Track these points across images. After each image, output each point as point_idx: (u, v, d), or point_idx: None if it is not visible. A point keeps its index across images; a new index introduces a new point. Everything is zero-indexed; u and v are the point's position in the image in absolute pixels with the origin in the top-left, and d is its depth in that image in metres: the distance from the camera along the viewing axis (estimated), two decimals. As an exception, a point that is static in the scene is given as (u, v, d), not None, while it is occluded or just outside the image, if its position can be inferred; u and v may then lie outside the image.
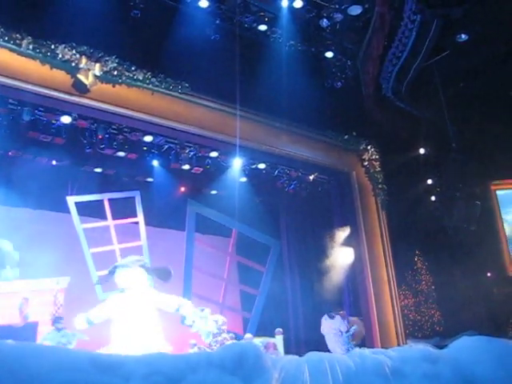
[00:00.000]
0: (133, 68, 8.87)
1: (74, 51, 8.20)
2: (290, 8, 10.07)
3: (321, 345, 10.13)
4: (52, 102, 8.40)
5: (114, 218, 10.18)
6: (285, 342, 10.22)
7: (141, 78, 8.95)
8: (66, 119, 8.83)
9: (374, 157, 12.08)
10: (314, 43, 11.17)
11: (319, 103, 10.59)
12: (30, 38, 7.80)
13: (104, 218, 10.12)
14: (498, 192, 13.82)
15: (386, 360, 3.63)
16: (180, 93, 9.41)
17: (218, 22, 10.20)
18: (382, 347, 9.63)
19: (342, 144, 11.76)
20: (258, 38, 10.72)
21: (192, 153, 10.40)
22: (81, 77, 8.26)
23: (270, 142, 10.62)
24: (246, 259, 11.78)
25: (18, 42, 7.73)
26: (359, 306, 11.11)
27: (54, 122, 8.92)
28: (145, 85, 9.05)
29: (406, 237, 12.08)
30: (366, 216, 11.78)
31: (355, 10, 10.23)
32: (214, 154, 10.65)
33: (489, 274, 13.05)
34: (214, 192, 12.20)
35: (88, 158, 10.12)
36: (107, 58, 8.58)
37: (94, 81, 8.39)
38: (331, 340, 10.03)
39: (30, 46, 7.81)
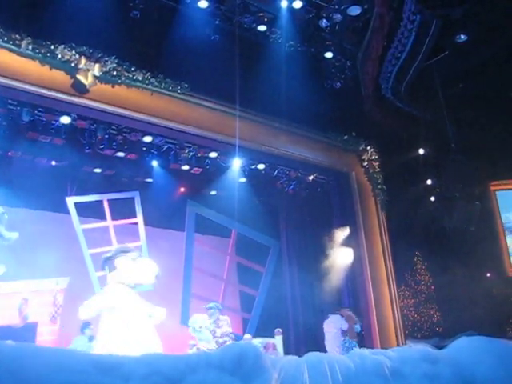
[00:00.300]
0: (132, 68, 8.87)
1: (73, 51, 8.20)
2: (290, 8, 10.07)
3: (320, 345, 10.13)
4: (51, 103, 8.40)
5: (114, 218, 10.17)
6: (284, 343, 10.22)
7: (140, 78, 8.95)
8: (65, 119, 8.83)
9: (373, 157, 12.08)
10: (314, 44, 11.17)
11: (318, 103, 10.60)
12: (29, 38, 7.80)
13: (103, 218, 10.11)
14: (498, 192, 13.82)
15: (385, 360, 3.62)
16: (179, 93, 9.41)
17: (217, 22, 10.19)
18: (382, 347, 9.63)
19: (342, 144, 11.77)
20: (258, 38, 10.72)
21: (191, 153, 10.40)
22: (80, 77, 8.26)
23: (269, 142, 10.62)
24: (245, 260, 11.78)
25: (17, 42, 7.73)
26: (359, 307, 11.10)
27: (53, 122, 8.93)
28: (144, 85, 9.05)
29: (406, 237, 12.09)
30: (365, 216, 11.79)
31: (354, 11, 10.23)
32: (213, 155, 10.65)
33: (488, 275, 13.06)
34: (213, 192, 12.20)
35: (87, 159, 10.11)
36: (106, 59, 8.58)
37: (93, 81, 8.38)
38: (329, 339, 10.06)
39: (30, 47, 7.81)
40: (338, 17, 10.32)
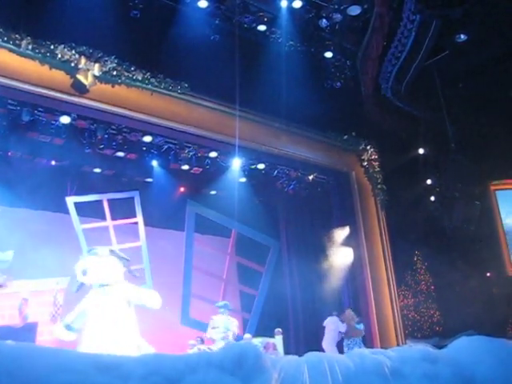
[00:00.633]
0: (132, 68, 8.87)
1: (73, 51, 8.20)
2: (290, 8, 10.07)
3: (320, 345, 10.13)
4: (51, 103, 8.40)
5: (114, 218, 10.16)
6: (284, 342, 10.21)
7: (140, 78, 8.95)
8: (65, 119, 8.83)
9: (373, 157, 12.09)
10: (314, 43, 11.18)
11: (318, 103, 10.59)
12: (29, 38, 7.81)
13: (103, 218, 10.10)
14: (498, 192, 13.82)
15: (385, 360, 3.63)
16: (179, 93, 9.41)
17: (217, 22, 10.20)
18: (382, 347, 9.62)
19: (342, 144, 11.77)
20: (258, 38, 10.72)
21: (191, 153, 10.40)
22: (80, 77, 8.26)
23: (269, 142, 10.62)
24: (245, 259, 11.78)
25: (17, 42, 7.74)
26: (359, 306, 11.10)
27: (53, 122, 8.93)
28: (144, 85, 9.05)
29: (406, 237, 12.09)
30: (365, 216, 11.79)
31: (354, 11, 10.24)
32: (213, 155, 10.65)
33: (488, 274, 13.06)
34: (213, 192, 12.20)
35: (87, 159, 10.11)
36: (106, 59, 8.58)
37: (93, 81, 8.38)
38: (326, 339, 10.12)
39: (30, 47, 7.81)
40: (337, 16, 10.32)
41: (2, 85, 7.76)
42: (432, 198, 12.70)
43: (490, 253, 12.89)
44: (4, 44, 7.66)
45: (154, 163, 10.71)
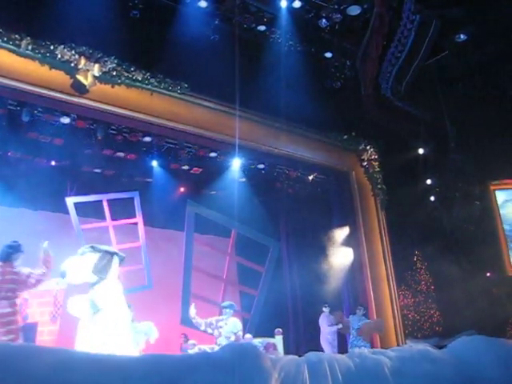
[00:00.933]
0: (132, 68, 8.87)
1: (73, 52, 8.19)
2: (289, 8, 10.07)
3: (320, 345, 10.14)
4: (51, 103, 8.40)
5: (113, 218, 10.15)
6: (284, 342, 10.21)
7: (140, 78, 8.95)
8: (65, 120, 8.83)
9: (373, 157, 12.09)
10: (313, 43, 11.17)
11: (318, 103, 10.59)
12: (29, 38, 7.79)
13: (103, 218, 10.10)
14: (498, 192, 13.82)
15: (385, 360, 3.63)
16: (179, 93, 9.41)
17: (216, 22, 10.20)
18: (382, 347, 9.63)
19: (341, 144, 11.77)
20: (257, 38, 10.72)
21: (191, 153, 10.40)
22: (80, 77, 8.26)
23: (269, 142, 10.62)
24: (245, 259, 11.76)
25: (17, 42, 7.73)
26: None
27: (53, 122, 8.93)
28: (144, 85, 9.04)
29: (406, 237, 12.09)
30: (365, 216, 11.79)
31: (354, 11, 10.23)
32: (213, 155, 10.65)
33: (488, 274, 13.05)
34: (213, 192, 12.20)
35: (87, 159, 10.11)
36: (106, 59, 8.57)
37: (93, 81, 8.38)
38: (321, 336, 10.17)
39: (29, 47, 7.80)
40: (337, 16, 10.32)
41: (2, 85, 7.76)
42: (432, 198, 12.70)
43: (490, 253, 12.88)
44: (4, 44, 7.65)
45: (154, 163, 10.69)
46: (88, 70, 8.33)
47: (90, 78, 8.33)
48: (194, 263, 10.67)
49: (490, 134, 11.87)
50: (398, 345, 10.50)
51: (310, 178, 12.04)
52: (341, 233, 11.71)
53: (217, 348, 7.47)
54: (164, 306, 9.76)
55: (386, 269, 11.54)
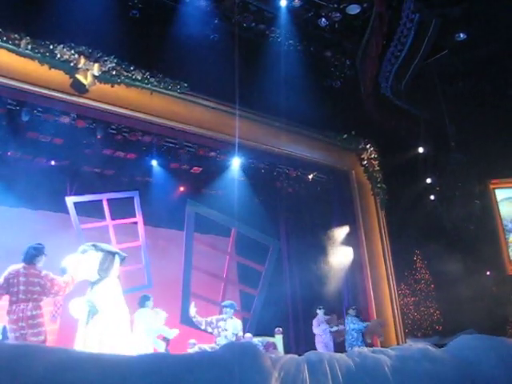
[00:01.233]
0: (131, 68, 8.86)
1: (72, 51, 8.18)
2: (289, 7, 10.07)
3: (320, 344, 10.14)
4: (51, 102, 8.39)
5: (113, 218, 10.15)
6: (284, 342, 10.21)
7: (139, 77, 8.94)
8: (64, 119, 8.82)
9: (372, 156, 12.08)
10: (313, 42, 11.17)
11: (318, 102, 10.59)
12: (28, 38, 7.79)
13: (103, 218, 10.09)
14: (497, 190, 13.82)
15: (385, 359, 3.63)
16: (179, 92, 9.40)
17: (216, 21, 10.19)
18: (382, 346, 9.63)
19: (341, 143, 11.76)
20: (257, 37, 10.72)
21: (191, 152, 10.39)
22: (79, 77, 8.25)
23: (269, 141, 10.61)
24: (245, 259, 11.76)
25: (16, 42, 7.72)
26: (359, 306, 11.09)
27: (52, 122, 8.92)
28: (143, 85, 9.03)
29: (406, 236, 12.09)
30: (365, 215, 11.78)
31: (354, 10, 10.23)
32: (213, 154, 10.65)
33: (488, 273, 13.05)
34: (213, 192, 12.19)
35: (87, 158, 10.10)
36: (106, 58, 8.56)
37: (92, 81, 8.37)
38: (316, 338, 10.18)
39: (29, 46, 7.79)
40: (337, 16, 10.32)
41: (2, 85, 7.74)
42: (432, 197, 12.70)
43: (490, 251, 12.89)
44: (3, 44, 7.64)
45: (154, 163, 10.68)
46: (87, 70, 8.32)
47: (89, 78, 8.32)
48: (193, 262, 10.67)
49: (489, 132, 11.87)
50: (398, 344, 10.50)
51: (310, 177, 12.04)
52: (341, 232, 11.70)
53: (217, 347, 7.48)
54: (164, 306, 9.73)
55: (386, 268, 11.54)
